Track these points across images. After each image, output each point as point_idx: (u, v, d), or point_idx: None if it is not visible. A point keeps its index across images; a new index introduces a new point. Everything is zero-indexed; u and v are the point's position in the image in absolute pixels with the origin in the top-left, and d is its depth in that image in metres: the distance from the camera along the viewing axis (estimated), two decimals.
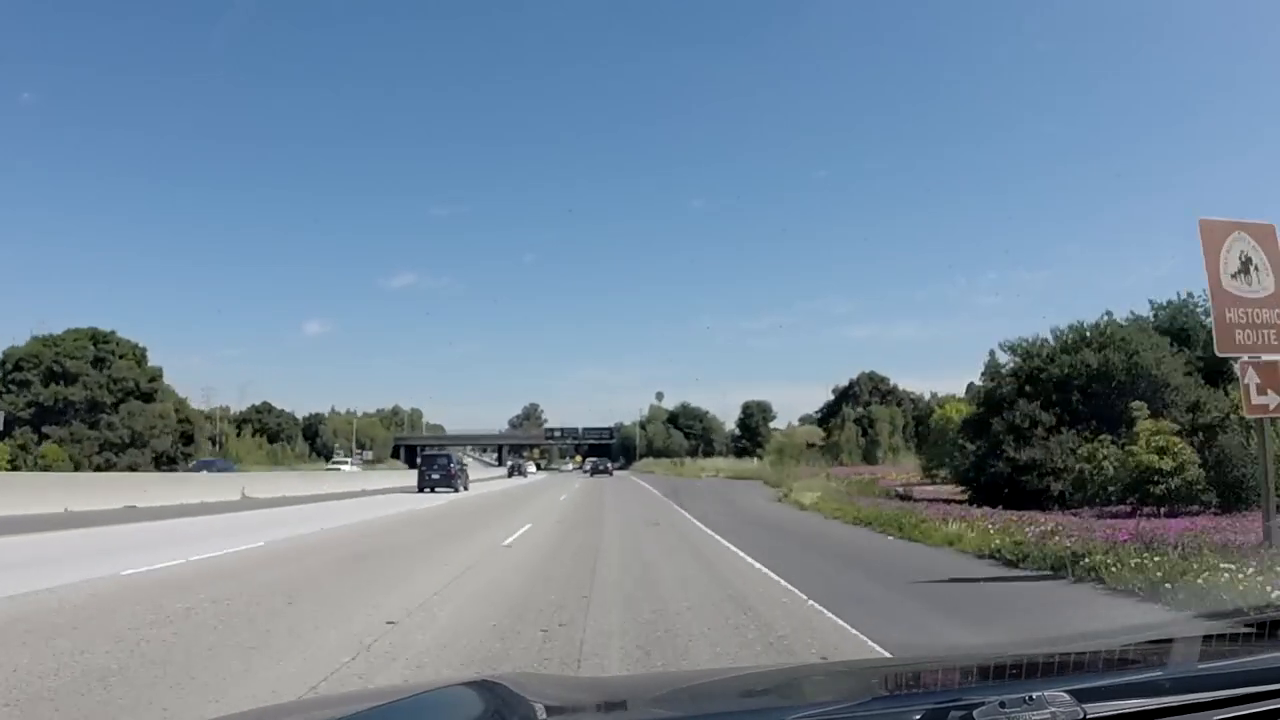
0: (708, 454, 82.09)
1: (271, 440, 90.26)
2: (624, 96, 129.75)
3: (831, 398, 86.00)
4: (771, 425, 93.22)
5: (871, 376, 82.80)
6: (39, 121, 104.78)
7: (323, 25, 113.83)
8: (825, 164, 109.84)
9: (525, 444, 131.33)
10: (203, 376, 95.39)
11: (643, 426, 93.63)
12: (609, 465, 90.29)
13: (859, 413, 74.40)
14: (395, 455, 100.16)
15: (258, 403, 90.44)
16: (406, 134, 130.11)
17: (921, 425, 59.69)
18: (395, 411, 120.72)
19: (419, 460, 50.60)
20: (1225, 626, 1.93)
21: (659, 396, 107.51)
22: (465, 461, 48.12)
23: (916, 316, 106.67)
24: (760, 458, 73.98)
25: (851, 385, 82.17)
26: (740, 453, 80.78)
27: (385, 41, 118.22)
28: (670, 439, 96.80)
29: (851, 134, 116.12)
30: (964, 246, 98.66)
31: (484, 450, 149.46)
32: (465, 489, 38.54)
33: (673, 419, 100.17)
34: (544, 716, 1.79)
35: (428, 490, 34.61)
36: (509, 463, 58.30)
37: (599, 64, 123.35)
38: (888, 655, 4.77)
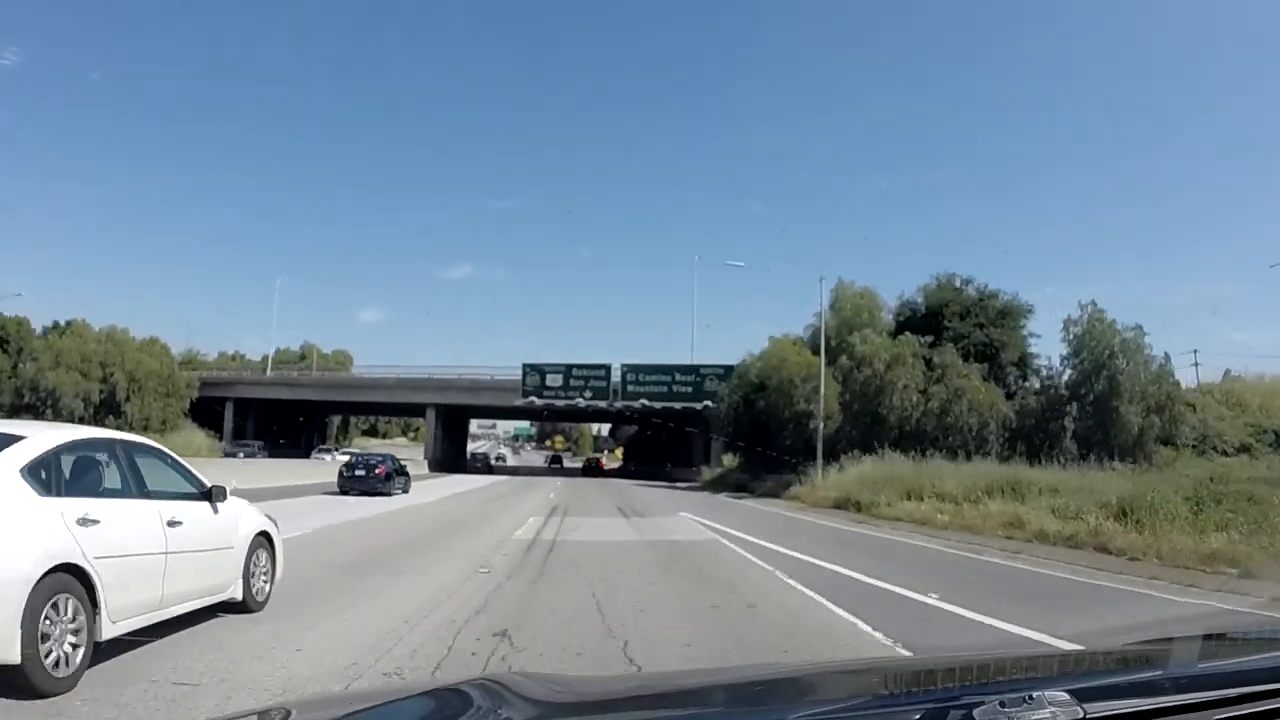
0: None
1: None
2: (690, 101, 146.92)
3: None
4: None
5: None
6: (108, 107, 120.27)
7: (387, 27, 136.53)
8: (887, 176, 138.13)
9: (481, 405, 77.51)
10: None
11: (825, 351, 37.40)
12: (601, 458, 64.56)
13: None
14: (199, 415, 63.18)
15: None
16: (472, 128, 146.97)
17: None
18: (304, 356, 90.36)
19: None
20: (1225, 627, 1.88)
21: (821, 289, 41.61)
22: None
23: None
24: None
25: None
26: None
27: (455, 42, 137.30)
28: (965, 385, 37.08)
29: (915, 147, 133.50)
30: (1022, 262, 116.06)
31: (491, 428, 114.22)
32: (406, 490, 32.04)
33: (932, 320, 40.86)
34: (542, 716, 1.63)
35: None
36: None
37: (663, 67, 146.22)
38: (888, 656, 4.70)
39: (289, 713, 1.64)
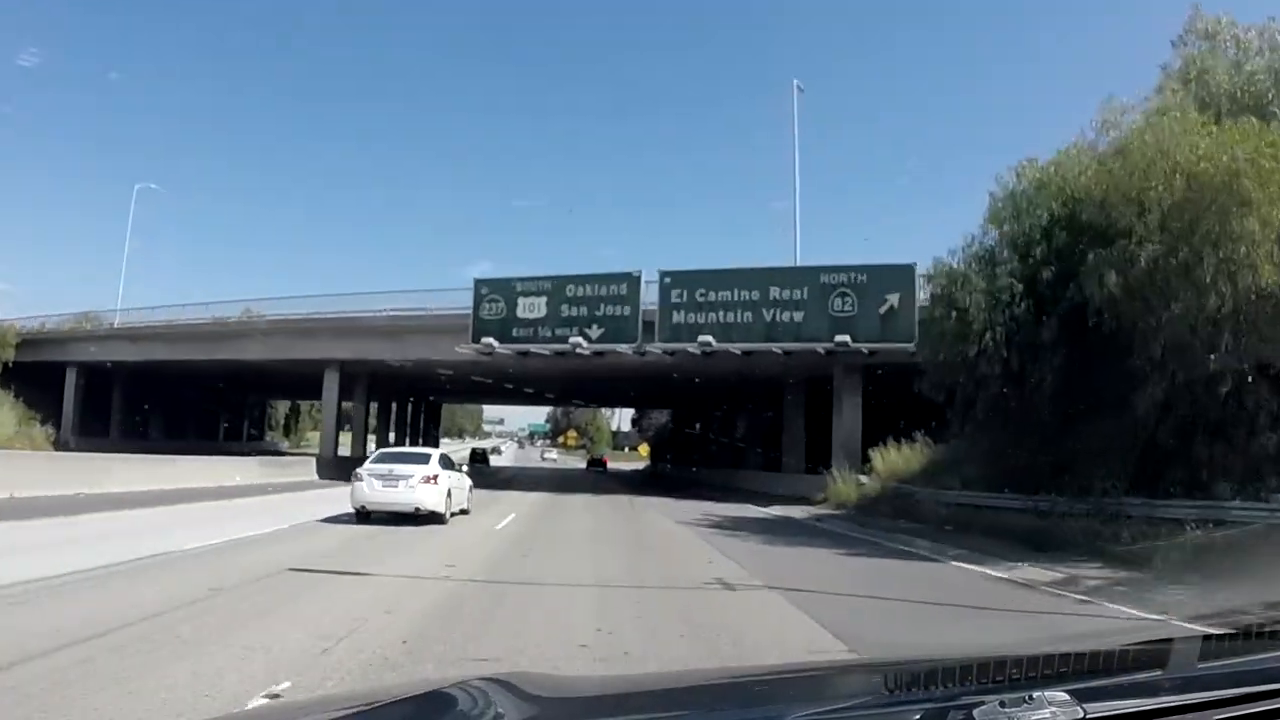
0: None
1: None
2: (707, 103, 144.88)
3: None
4: None
5: None
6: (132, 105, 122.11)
7: (411, 32, 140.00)
8: (906, 171, 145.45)
9: (408, 362, 43.41)
10: None
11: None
12: (605, 455, 58.22)
13: None
14: (36, 389, 43.74)
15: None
16: (496, 129, 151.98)
17: None
18: (249, 320, 53.64)
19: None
20: (1225, 626, 1.90)
21: None
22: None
23: None
24: None
25: None
26: None
27: (475, 45, 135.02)
28: None
29: (935, 143, 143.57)
30: None
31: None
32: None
33: None
34: (544, 715, 1.55)
35: None
36: None
37: (684, 68, 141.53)
38: (888, 656, 4.69)
39: (287, 714, 1.65)
